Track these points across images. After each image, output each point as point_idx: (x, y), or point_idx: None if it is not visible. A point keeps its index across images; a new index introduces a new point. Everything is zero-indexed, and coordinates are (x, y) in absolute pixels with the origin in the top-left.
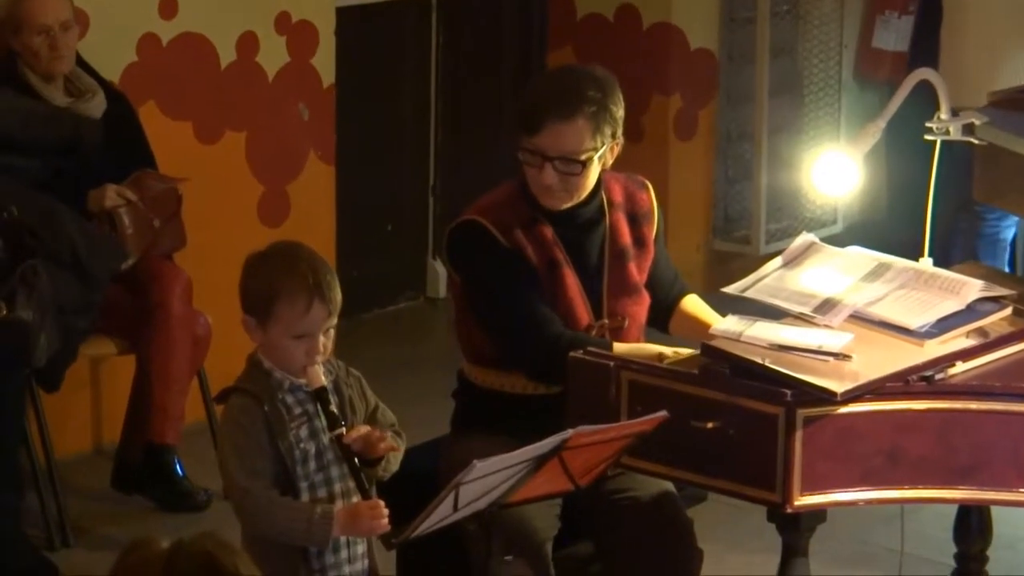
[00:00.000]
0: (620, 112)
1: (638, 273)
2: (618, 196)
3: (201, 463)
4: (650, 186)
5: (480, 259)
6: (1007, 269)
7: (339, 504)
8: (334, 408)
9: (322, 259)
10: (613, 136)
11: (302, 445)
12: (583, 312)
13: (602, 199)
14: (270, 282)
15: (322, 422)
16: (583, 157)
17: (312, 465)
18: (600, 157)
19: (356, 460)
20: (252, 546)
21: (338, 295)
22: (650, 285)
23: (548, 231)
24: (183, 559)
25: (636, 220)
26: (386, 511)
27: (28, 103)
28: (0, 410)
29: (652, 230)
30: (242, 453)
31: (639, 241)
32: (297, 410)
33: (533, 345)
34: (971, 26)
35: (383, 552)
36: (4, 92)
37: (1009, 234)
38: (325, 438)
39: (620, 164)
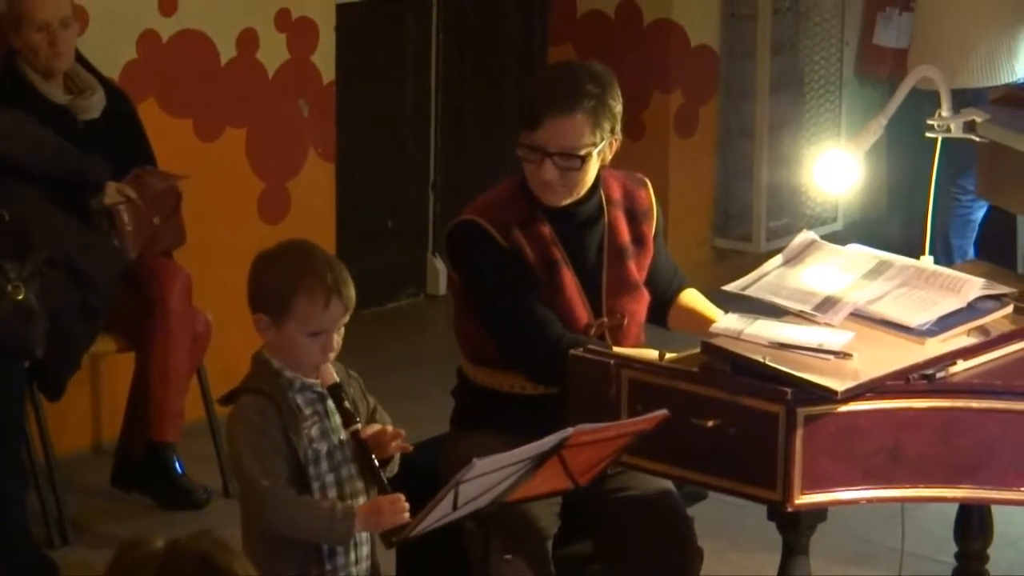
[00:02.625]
0: (618, 107)
1: (637, 271)
2: (617, 194)
3: (201, 461)
4: (649, 183)
5: (479, 260)
6: (973, 249)
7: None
8: (348, 404)
9: (335, 257)
10: (612, 131)
11: (314, 445)
12: (582, 311)
13: (601, 197)
14: (288, 279)
15: (332, 422)
16: (582, 152)
17: (324, 465)
18: (599, 152)
19: (373, 456)
20: (263, 545)
21: (353, 292)
22: (649, 281)
23: (547, 229)
24: (179, 559)
25: (635, 218)
26: (407, 504)
27: (41, 133)
28: (2, 396)
29: (651, 228)
30: (259, 453)
31: (638, 239)
32: (308, 410)
33: (534, 347)
34: (944, 10)
35: (383, 551)
36: (20, 116)
37: (979, 215)
38: (335, 438)
39: (621, 161)
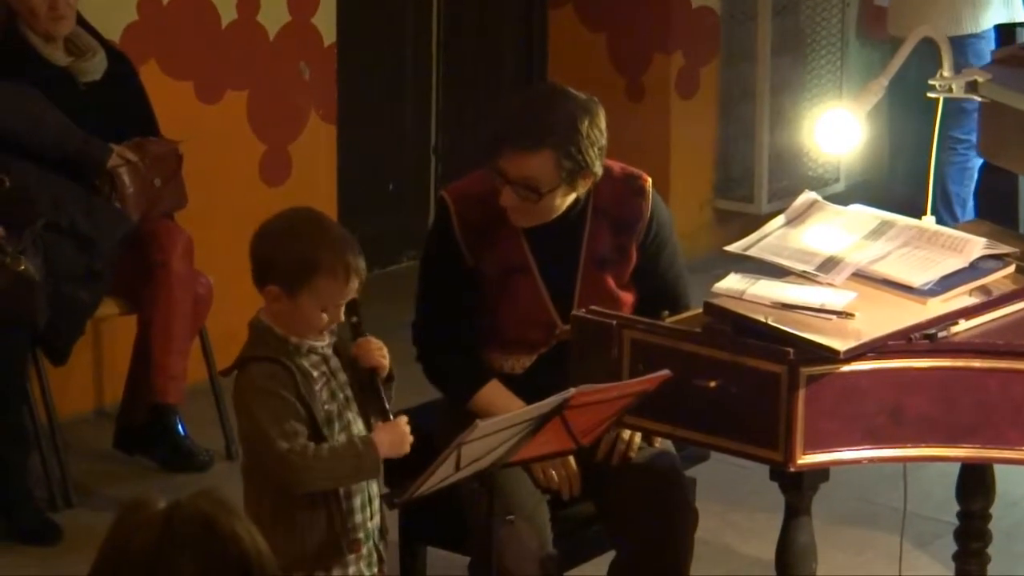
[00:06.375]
0: (597, 144)
1: (616, 282)
2: (607, 201)
3: (203, 423)
4: (649, 192)
5: (429, 239)
6: (973, 202)
7: None
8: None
9: (345, 230)
10: (585, 167)
11: (326, 407)
12: (545, 316)
13: (588, 205)
14: (309, 256)
15: (337, 380)
16: (543, 189)
17: (336, 425)
18: (568, 187)
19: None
20: (285, 511)
21: (364, 264)
22: (640, 296)
23: (520, 232)
24: (181, 520)
25: (620, 229)
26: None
27: (46, 112)
28: (4, 367)
29: (635, 239)
30: (277, 417)
31: (619, 249)
32: (315, 372)
33: (424, 338)
34: None
35: (385, 512)
36: (24, 92)
37: (976, 163)
38: (342, 396)
39: (624, 123)
